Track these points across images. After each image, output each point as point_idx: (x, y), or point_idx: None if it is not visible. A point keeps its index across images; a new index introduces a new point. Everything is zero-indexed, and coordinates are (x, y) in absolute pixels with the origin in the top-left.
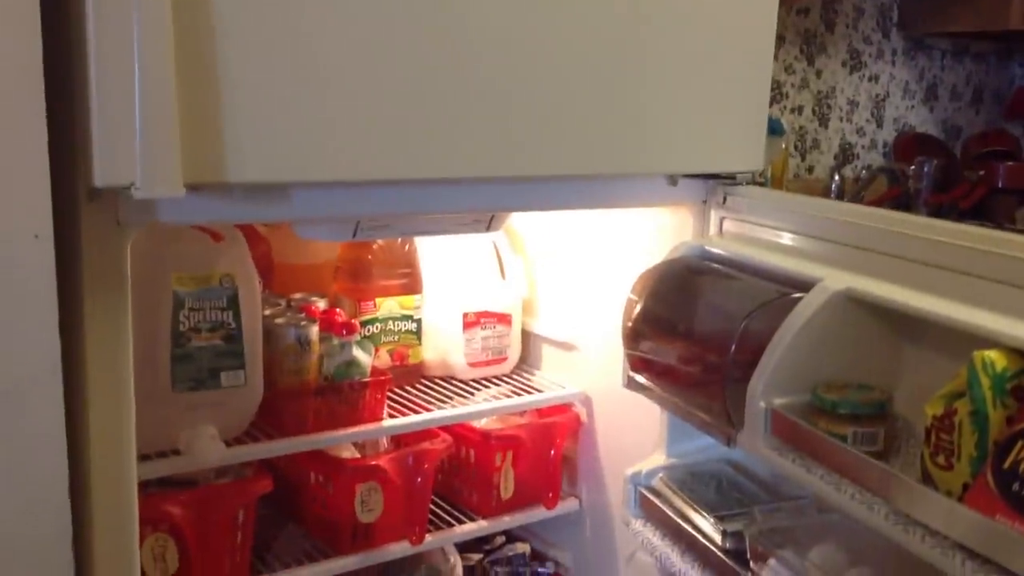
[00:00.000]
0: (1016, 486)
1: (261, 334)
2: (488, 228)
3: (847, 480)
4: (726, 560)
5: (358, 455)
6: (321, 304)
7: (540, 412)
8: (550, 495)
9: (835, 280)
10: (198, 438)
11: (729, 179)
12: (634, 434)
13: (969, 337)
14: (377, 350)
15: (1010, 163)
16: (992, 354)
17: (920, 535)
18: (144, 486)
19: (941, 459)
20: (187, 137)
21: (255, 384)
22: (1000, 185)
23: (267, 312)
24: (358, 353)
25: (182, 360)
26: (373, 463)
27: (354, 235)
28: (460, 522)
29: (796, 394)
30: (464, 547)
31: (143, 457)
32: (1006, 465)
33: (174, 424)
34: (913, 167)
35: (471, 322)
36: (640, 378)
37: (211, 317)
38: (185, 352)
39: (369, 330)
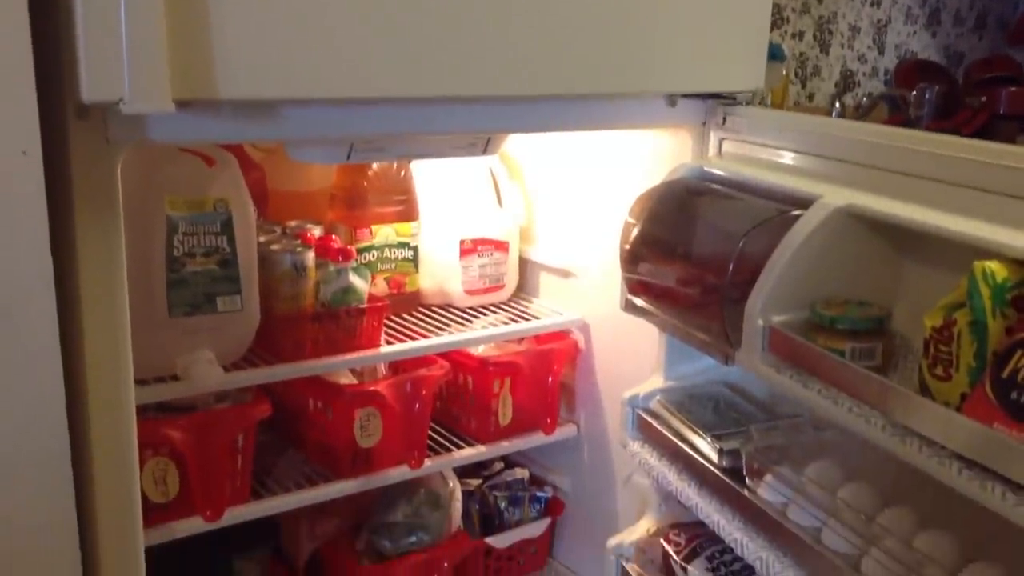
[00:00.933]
0: (1015, 394)
1: (256, 259)
2: (485, 151)
3: (844, 394)
4: (723, 478)
5: (356, 382)
6: (317, 231)
7: (538, 339)
8: (548, 421)
9: (835, 196)
10: (195, 363)
11: (729, 99)
12: (632, 359)
13: (969, 251)
14: (374, 278)
15: (1013, 89)
16: (993, 264)
17: (917, 445)
18: (143, 411)
19: (939, 370)
20: (175, 52)
21: (252, 309)
22: (1002, 111)
23: (262, 239)
24: (355, 279)
25: (177, 285)
26: (372, 389)
27: (348, 157)
28: (459, 448)
29: (794, 311)
30: (463, 472)
31: (141, 382)
32: (1005, 374)
33: (171, 349)
34: (914, 94)
35: (468, 249)
36: (638, 301)
37: (206, 242)
38: (180, 277)
39: (365, 258)
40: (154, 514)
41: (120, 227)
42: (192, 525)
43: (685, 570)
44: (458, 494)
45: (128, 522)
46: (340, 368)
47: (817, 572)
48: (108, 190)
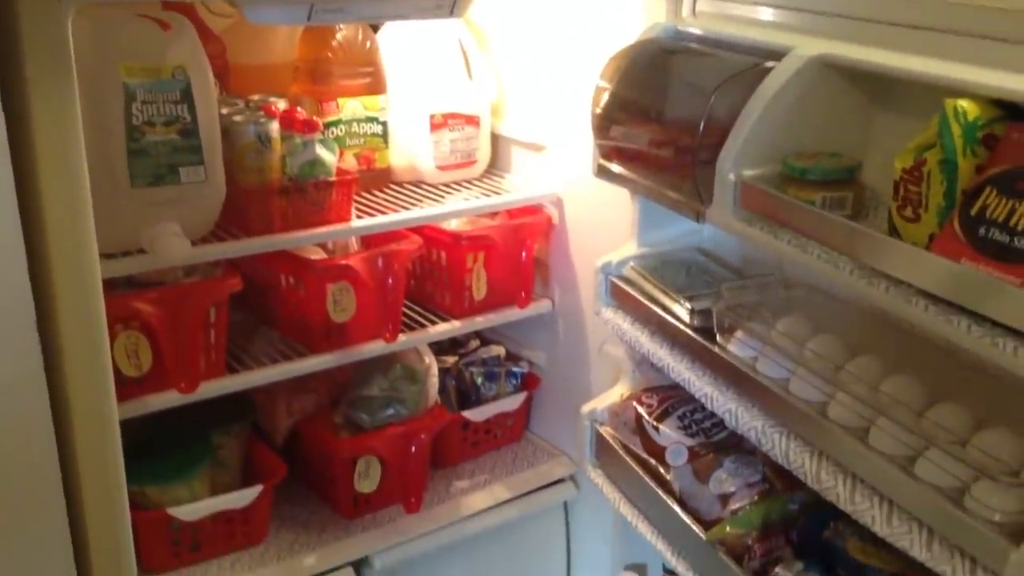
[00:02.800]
0: (982, 230)
1: (219, 129)
2: (451, 13)
3: (814, 242)
4: (694, 336)
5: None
6: (281, 104)
7: (511, 214)
8: (523, 295)
9: (809, 47)
10: (162, 236)
11: None
12: (605, 232)
13: (942, 94)
14: (342, 153)
15: None
16: (964, 103)
17: (884, 287)
18: (112, 286)
19: (908, 211)
20: None
21: (216, 181)
22: None
23: (224, 111)
24: (321, 152)
25: (138, 155)
26: (343, 263)
27: (308, 18)
28: (434, 324)
29: (766, 166)
30: (439, 351)
31: (107, 256)
32: (973, 211)
33: (136, 222)
34: None
35: (438, 124)
36: (611, 166)
37: (165, 111)
38: (140, 147)
39: (333, 133)
40: (128, 388)
41: (74, 89)
42: (167, 399)
43: (657, 429)
44: (434, 369)
45: (100, 394)
46: (310, 243)
47: (784, 420)
48: (60, 50)
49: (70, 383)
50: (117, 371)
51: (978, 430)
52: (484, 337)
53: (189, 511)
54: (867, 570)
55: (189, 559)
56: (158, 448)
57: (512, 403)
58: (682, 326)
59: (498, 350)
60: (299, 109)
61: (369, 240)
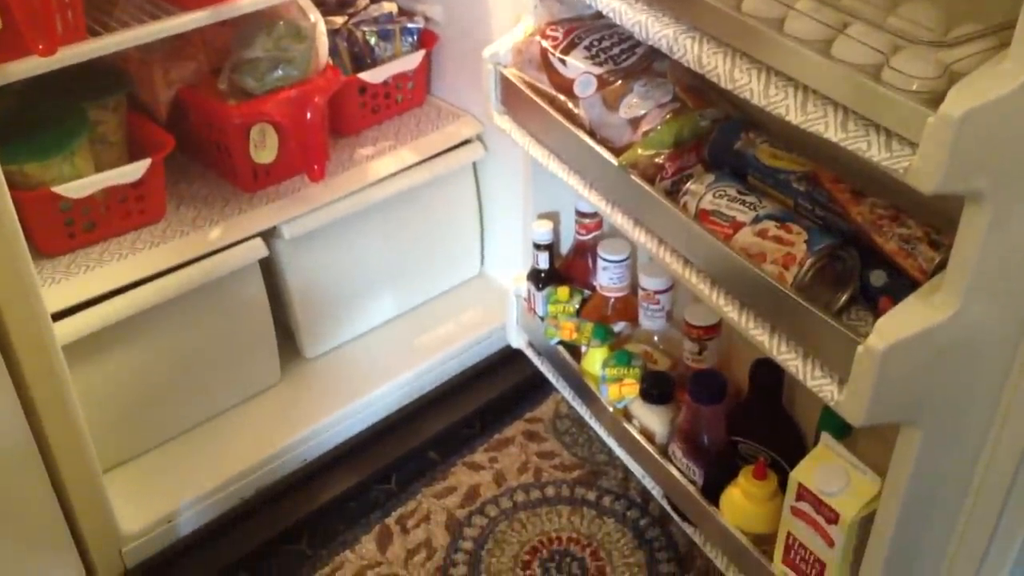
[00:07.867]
0: None
1: None
2: None
3: None
4: None
5: None
6: None
7: None
8: None
9: None
10: None
11: None
12: None
13: None
14: None
15: None
16: None
17: None
18: None
19: None
20: None
21: None
22: None
23: None
24: None
25: None
26: None
27: None
28: None
29: None
30: (326, 12)
31: None
32: None
33: None
34: None
35: None
36: None
37: None
38: None
39: None
40: None
41: None
42: (28, 66)
43: (564, 62)
44: (321, 27)
45: None
46: None
47: (697, 23)
48: None
49: None
50: None
51: (898, 5)
52: None
53: (76, 187)
54: (778, 172)
55: (85, 239)
56: (31, 126)
57: (410, 62)
58: None
59: (390, 6)
60: None
61: None
